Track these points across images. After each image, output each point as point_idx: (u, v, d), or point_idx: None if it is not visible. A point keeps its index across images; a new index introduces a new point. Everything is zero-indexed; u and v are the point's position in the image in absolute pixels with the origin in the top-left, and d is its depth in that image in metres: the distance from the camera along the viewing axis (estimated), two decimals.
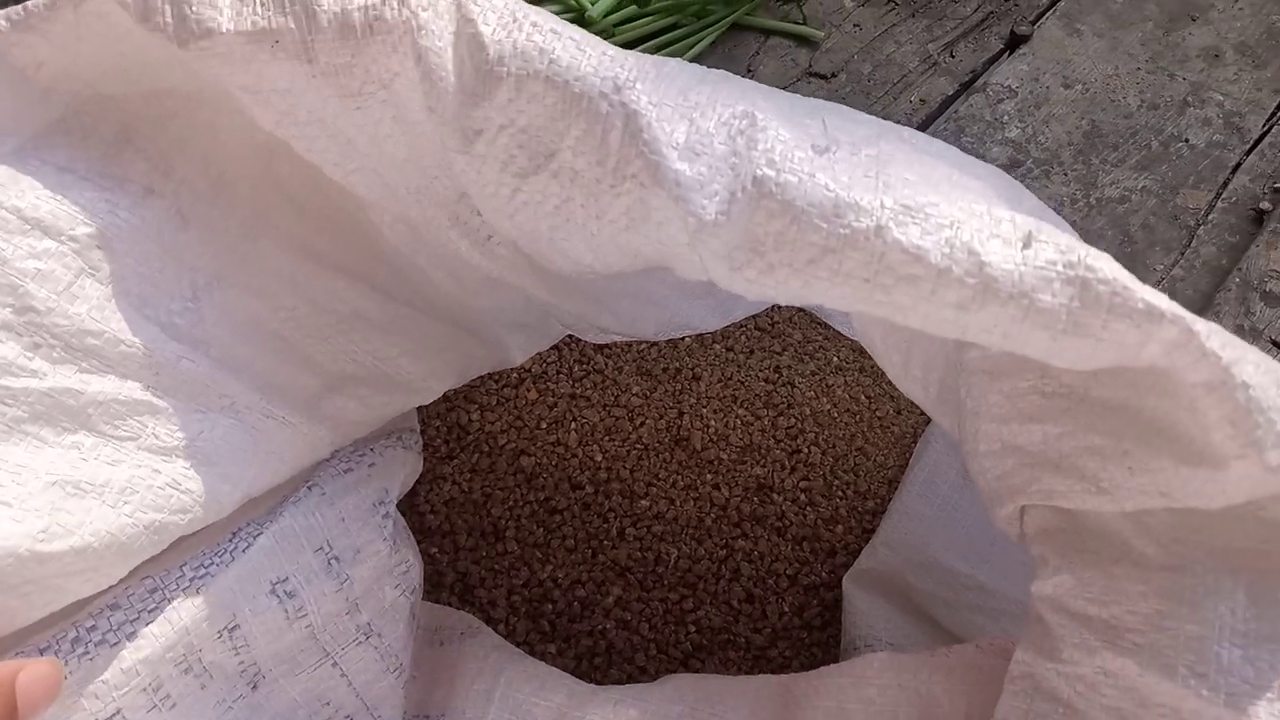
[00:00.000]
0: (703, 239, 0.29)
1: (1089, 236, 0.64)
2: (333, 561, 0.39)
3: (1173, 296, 0.59)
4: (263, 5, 0.29)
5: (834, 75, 0.69)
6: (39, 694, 0.28)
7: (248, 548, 0.37)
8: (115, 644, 0.33)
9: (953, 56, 0.72)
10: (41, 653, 0.31)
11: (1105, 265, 0.27)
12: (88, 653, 0.32)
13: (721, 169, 0.28)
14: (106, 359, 0.31)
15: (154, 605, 0.34)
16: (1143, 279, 0.60)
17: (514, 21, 0.29)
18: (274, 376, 0.37)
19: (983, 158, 0.67)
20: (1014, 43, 0.73)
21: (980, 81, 0.71)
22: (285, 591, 0.38)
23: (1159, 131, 0.69)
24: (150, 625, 0.34)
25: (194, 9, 0.29)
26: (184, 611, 0.35)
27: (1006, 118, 0.69)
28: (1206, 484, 0.29)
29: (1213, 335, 0.27)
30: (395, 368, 0.42)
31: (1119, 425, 0.31)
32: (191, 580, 0.35)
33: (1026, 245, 0.27)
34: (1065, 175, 0.66)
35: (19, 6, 0.30)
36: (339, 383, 0.39)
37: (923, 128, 0.68)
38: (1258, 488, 0.28)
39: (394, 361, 0.41)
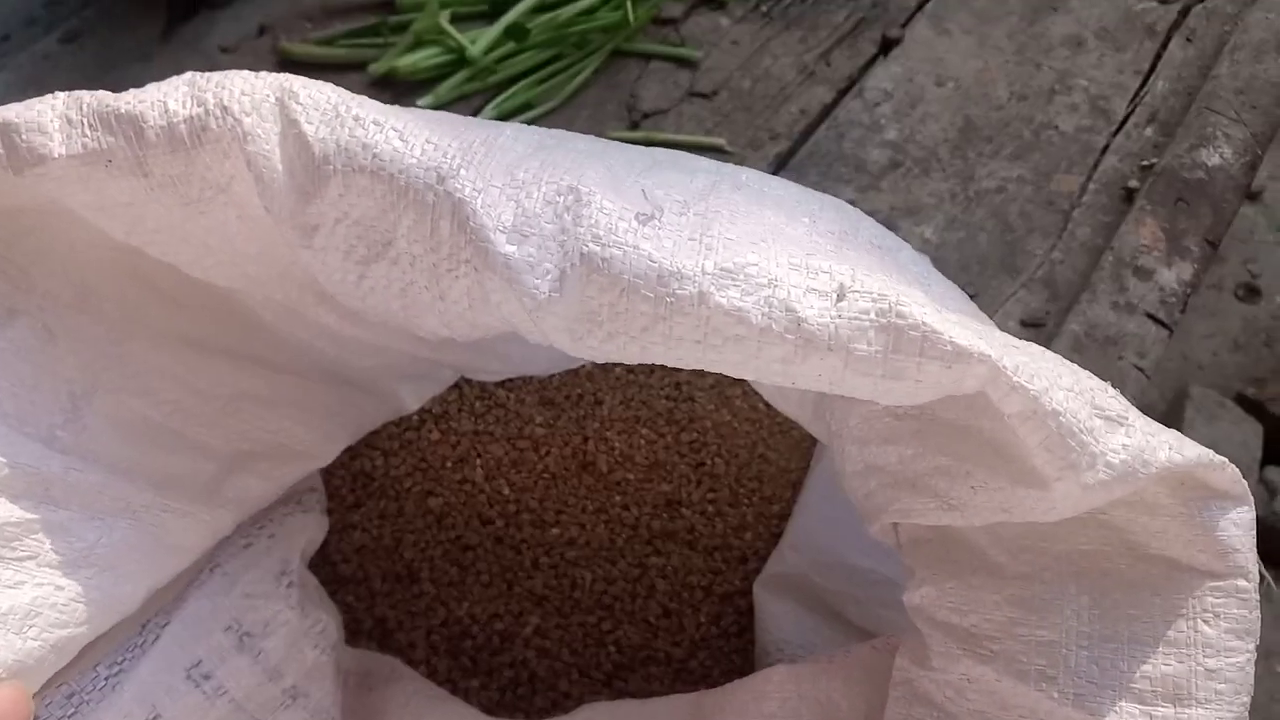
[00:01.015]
0: (540, 315, 0.30)
1: (970, 229, 0.66)
2: (244, 638, 0.40)
3: (1052, 280, 0.62)
4: (91, 127, 0.30)
5: (715, 93, 0.71)
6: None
7: (157, 639, 0.38)
8: None
9: (829, 65, 0.73)
10: None
11: (915, 309, 0.28)
12: None
13: (550, 248, 0.30)
14: None
15: (73, 711, 0.35)
16: (1023, 266, 0.63)
17: (337, 118, 0.30)
18: (167, 470, 0.37)
19: (864, 161, 0.69)
20: (886, 46, 0.74)
21: (857, 87, 0.72)
22: (201, 674, 0.39)
23: (1030, 121, 0.71)
24: None
25: (24, 137, 0.30)
26: (104, 713, 0.36)
27: (884, 120, 0.70)
28: (1038, 502, 0.31)
29: (1020, 367, 0.28)
30: (290, 437, 0.43)
31: (962, 447, 0.33)
32: (107, 679, 0.36)
33: (840, 297, 0.29)
34: (944, 171, 0.68)
35: None
36: (236, 463, 0.40)
37: (805, 136, 0.69)
38: (1080, 504, 0.30)
39: (288, 432, 0.42)
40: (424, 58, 0.67)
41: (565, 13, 0.69)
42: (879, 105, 0.71)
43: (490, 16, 0.70)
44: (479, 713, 0.43)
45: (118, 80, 1.50)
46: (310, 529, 0.44)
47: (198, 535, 0.38)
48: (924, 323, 0.28)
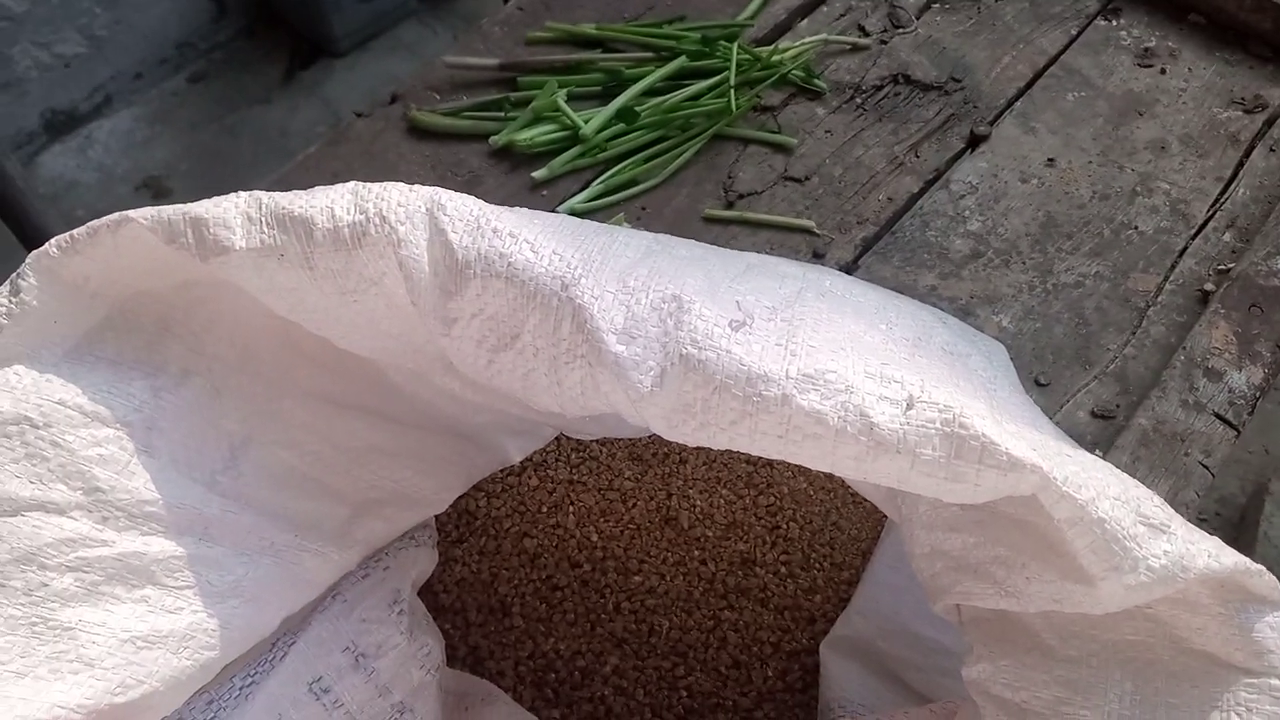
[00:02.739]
0: (642, 406, 0.34)
1: (1046, 320, 0.68)
2: (359, 658, 0.44)
3: (1124, 374, 0.64)
4: (268, 226, 0.35)
5: (808, 178, 0.74)
6: None
7: (284, 656, 0.42)
8: None
9: (917, 157, 0.76)
10: None
11: (976, 421, 0.31)
12: None
13: (654, 348, 0.33)
14: (163, 521, 0.36)
15: (211, 715, 0.40)
16: (1097, 359, 0.64)
17: (478, 229, 0.34)
18: (307, 514, 0.42)
19: (947, 250, 0.71)
20: (974, 142, 0.77)
21: (943, 179, 0.75)
22: (321, 689, 0.43)
23: (1110, 220, 0.73)
24: None
25: (211, 231, 0.35)
26: (238, 718, 0.40)
27: (968, 211, 0.73)
28: (1085, 596, 0.33)
29: (1070, 477, 0.31)
30: (411, 487, 0.47)
31: (1019, 540, 0.35)
32: (241, 690, 0.41)
33: (910, 406, 0.32)
34: (1024, 264, 0.71)
35: (65, 235, 0.36)
36: (364, 508, 0.45)
37: (891, 224, 0.72)
38: (1124, 602, 0.33)
39: (409, 481, 0.47)
40: (541, 133, 0.72)
41: (673, 98, 0.73)
42: (964, 198, 0.74)
43: (604, 98, 0.75)
44: None
45: (240, 119, 1.60)
46: (421, 562, 0.48)
47: (328, 571, 0.43)
48: (983, 434, 0.31)
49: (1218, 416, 0.61)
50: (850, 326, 0.36)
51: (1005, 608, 0.36)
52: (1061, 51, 0.84)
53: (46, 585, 0.33)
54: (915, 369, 0.33)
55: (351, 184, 0.35)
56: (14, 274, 0.35)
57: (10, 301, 0.35)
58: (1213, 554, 0.32)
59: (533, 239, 0.34)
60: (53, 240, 0.35)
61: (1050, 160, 0.77)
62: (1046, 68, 0.83)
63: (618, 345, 0.33)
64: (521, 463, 0.58)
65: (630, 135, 0.72)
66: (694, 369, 0.32)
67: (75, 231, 0.36)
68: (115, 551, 0.35)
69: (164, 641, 0.35)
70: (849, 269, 0.70)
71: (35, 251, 0.35)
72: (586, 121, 0.71)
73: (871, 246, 0.71)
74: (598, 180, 0.72)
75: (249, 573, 0.39)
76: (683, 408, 0.33)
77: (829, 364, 0.32)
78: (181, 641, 0.36)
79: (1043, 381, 0.65)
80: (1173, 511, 0.33)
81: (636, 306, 0.34)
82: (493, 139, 0.73)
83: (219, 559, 0.38)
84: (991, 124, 0.79)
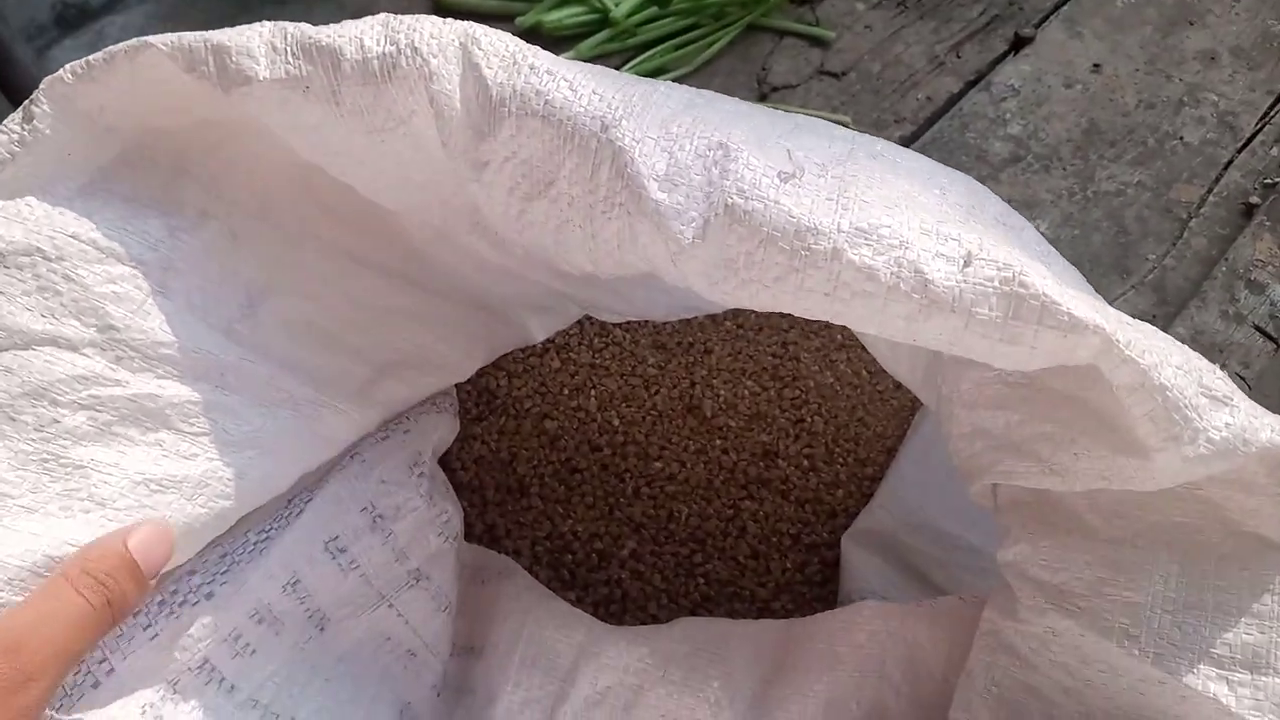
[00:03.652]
0: (682, 260, 0.32)
1: (1085, 228, 0.65)
2: (377, 519, 0.43)
3: (1162, 285, 0.62)
4: (293, 55, 0.33)
5: (844, 74, 0.71)
6: (155, 552, 0.32)
7: (300, 514, 0.41)
8: (196, 604, 0.37)
9: (959, 57, 0.73)
10: (135, 616, 0.35)
11: (1036, 280, 0.29)
12: (174, 613, 0.37)
13: (697, 197, 0.31)
14: (179, 365, 0.35)
15: (225, 569, 0.39)
16: (1135, 269, 0.62)
17: (514, 65, 0.32)
18: (327, 370, 0.40)
19: (986, 153, 0.68)
20: (1018, 44, 0.74)
21: (984, 81, 0.72)
22: (338, 548, 0.42)
23: (1155, 129, 0.70)
24: (225, 585, 0.38)
25: (234, 59, 0.33)
26: (251, 572, 0.39)
27: (1009, 115, 0.70)
28: (1138, 471, 0.31)
29: (1133, 342, 0.29)
30: (433, 352, 0.45)
31: (1068, 414, 0.34)
32: (255, 544, 0.40)
33: (967, 263, 0.30)
34: (1064, 170, 0.68)
35: (81, 61, 0.34)
36: (385, 369, 0.43)
37: (929, 124, 0.70)
38: (1179, 476, 0.31)
39: (431, 347, 0.45)
40: (569, 15, 0.69)
41: None
42: (1005, 100, 0.71)
43: None
44: (582, 613, 0.45)
45: (251, 19, 1.55)
46: (442, 428, 0.47)
47: (347, 430, 0.41)
48: (1044, 293, 0.29)
49: (1257, 329, 0.59)
50: (904, 186, 0.34)
51: (1048, 486, 0.35)
52: None
53: (58, 422, 0.32)
54: (971, 230, 0.31)
55: (382, 15, 0.33)
56: (28, 100, 0.33)
57: (24, 129, 0.33)
58: (1276, 429, 0.30)
59: (571, 78, 0.32)
60: (68, 65, 0.33)
61: (1096, 66, 0.74)
62: None
63: (659, 193, 0.31)
64: (544, 344, 0.57)
65: (662, 21, 0.69)
66: (739, 220, 0.30)
67: (92, 57, 0.33)
68: (129, 392, 0.33)
69: (178, 486, 0.34)
70: None
71: (50, 77, 0.33)
72: (617, 4, 0.68)
73: (908, 146, 0.69)
74: (626, 66, 0.69)
75: (266, 424, 0.37)
76: (725, 262, 0.31)
77: (883, 219, 0.30)
78: (196, 488, 0.35)
79: None
80: (1234, 386, 0.31)
81: (680, 153, 0.32)
82: (519, 20, 0.70)
83: (236, 408, 0.36)
84: (1037, 27, 0.75)
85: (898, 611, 0.41)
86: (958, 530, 0.51)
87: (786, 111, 0.67)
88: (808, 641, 0.41)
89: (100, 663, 0.34)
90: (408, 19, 0.33)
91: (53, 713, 0.32)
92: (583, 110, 0.31)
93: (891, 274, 0.30)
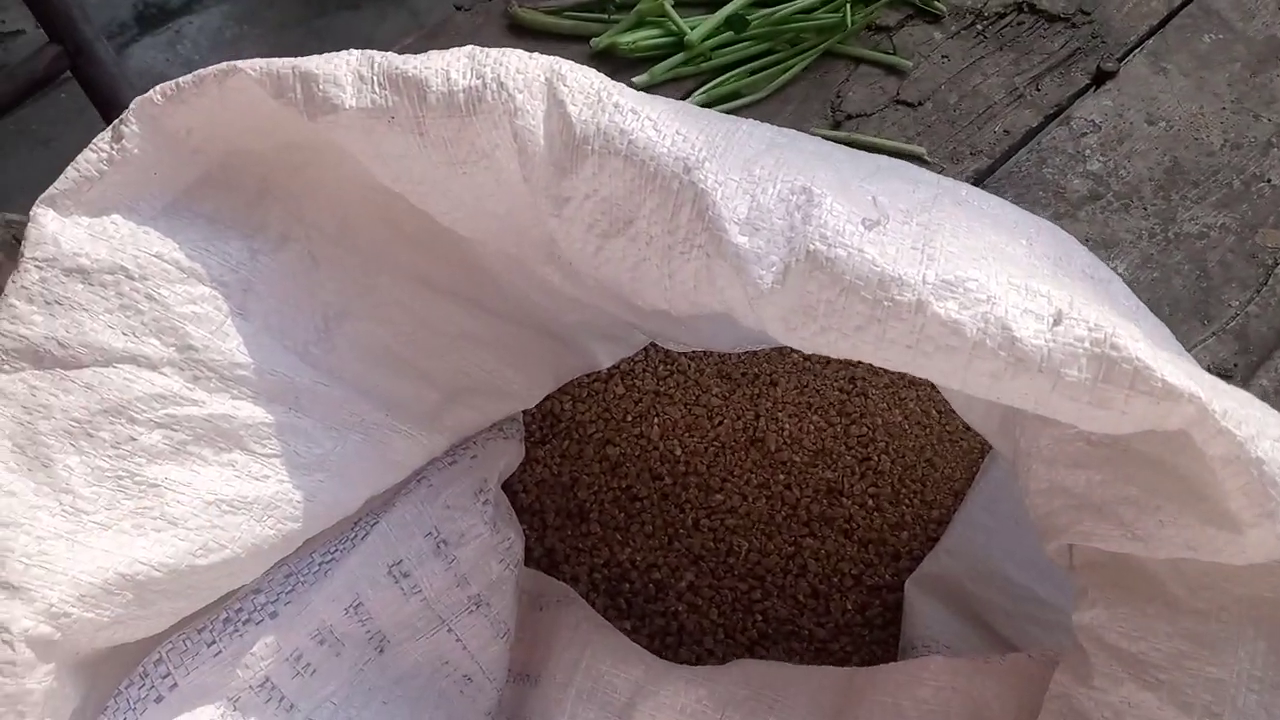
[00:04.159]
0: (760, 304, 0.31)
1: (1165, 270, 0.63)
2: (440, 545, 0.43)
3: (1245, 332, 0.60)
4: (380, 86, 0.33)
5: (920, 104, 0.70)
6: None
7: (366, 536, 0.41)
8: (260, 622, 0.37)
9: (1038, 90, 0.71)
10: (199, 632, 0.36)
11: (1129, 343, 0.28)
12: (238, 630, 0.37)
13: (778, 242, 0.31)
14: (254, 387, 0.35)
15: (290, 588, 0.39)
16: (1216, 315, 0.60)
17: (599, 102, 0.32)
18: (398, 395, 0.40)
19: (1064, 189, 0.67)
20: (1100, 79, 0.72)
21: (1064, 115, 0.70)
22: (401, 572, 0.42)
23: (1241, 170, 0.68)
24: (288, 605, 0.38)
25: (321, 88, 0.33)
26: (315, 593, 0.39)
27: (1089, 151, 0.68)
28: (1228, 544, 0.30)
29: (1229, 411, 0.28)
30: (501, 378, 0.45)
31: (1154, 479, 0.32)
32: (320, 566, 0.40)
33: (1057, 322, 0.29)
34: (1145, 210, 0.66)
35: (170, 83, 0.34)
36: (455, 395, 0.43)
37: (1005, 158, 0.68)
38: (1273, 552, 0.29)
39: (501, 373, 0.45)
40: (644, 37, 0.69)
41: (784, 9, 0.69)
42: (1085, 136, 0.69)
43: (712, 5, 0.71)
44: (641, 649, 0.45)
45: (326, 24, 1.58)
46: (508, 454, 0.46)
47: (416, 454, 0.41)
48: (1137, 357, 0.28)
49: None
50: (990, 237, 0.33)
51: (1130, 551, 0.34)
52: None
53: (134, 439, 0.32)
54: (1061, 285, 0.30)
55: (469, 47, 0.33)
56: (118, 119, 0.34)
57: (112, 148, 0.34)
58: None
59: (655, 118, 0.32)
60: (158, 87, 0.34)
61: (1181, 103, 0.71)
62: (1183, 6, 0.77)
63: (740, 236, 0.31)
64: (609, 370, 0.56)
65: (737, 45, 0.69)
66: (821, 267, 0.30)
67: (181, 79, 0.34)
68: (205, 412, 0.34)
69: (249, 508, 0.34)
70: None
71: (140, 98, 0.34)
72: (693, 28, 0.68)
73: (984, 179, 0.67)
74: (700, 90, 0.68)
75: (337, 447, 0.37)
76: (804, 309, 0.31)
77: (970, 272, 0.30)
78: (266, 509, 0.35)
79: None
80: None
81: (762, 196, 0.31)
82: (594, 41, 0.70)
83: (308, 430, 0.37)
84: (1120, 61, 0.73)
85: (965, 668, 0.40)
86: (1026, 581, 0.50)
87: (861, 139, 0.66)
88: (871, 692, 0.40)
89: (164, 677, 0.35)
90: (494, 52, 0.32)
91: None
92: (666, 151, 0.31)
93: (978, 330, 0.29)
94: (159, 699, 0.34)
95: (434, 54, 0.33)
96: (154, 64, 1.57)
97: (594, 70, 0.32)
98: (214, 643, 0.36)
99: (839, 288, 0.30)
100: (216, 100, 0.34)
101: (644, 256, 0.33)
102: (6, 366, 0.31)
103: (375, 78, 0.33)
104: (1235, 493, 0.28)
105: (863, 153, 0.38)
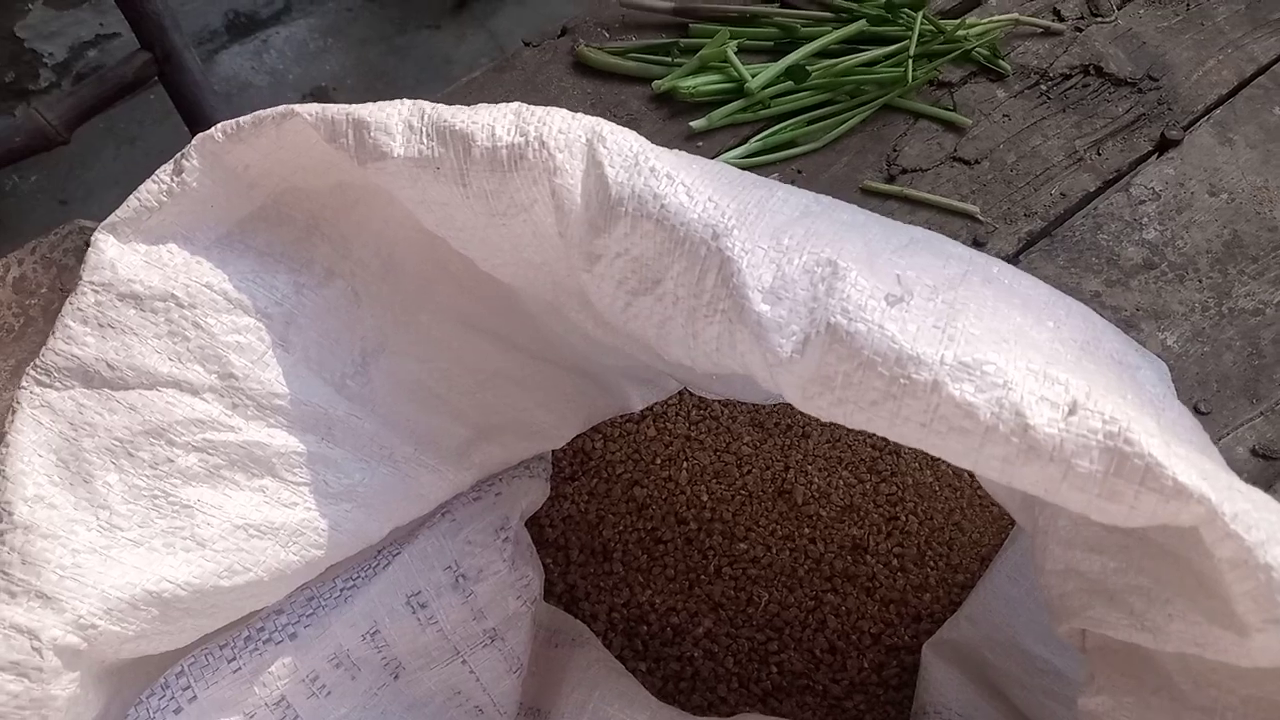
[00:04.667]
0: (779, 372, 0.32)
1: (1216, 345, 0.62)
2: (459, 579, 0.44)
3: None
4: (428, 137, 0.34)
5: (977, 162, 0.70)
6: None
7: (387, 565, 0.42)
8: (279, 643, 0.39)
9: (1099, 154, 0.71)
10: (221, 649, 0.37)
11: (1143, 438, 0.28)
12: (257, 649, 0.38)
13: (800, 312, 0.31)
14: (290, 416, 0.37)
15: (311, 612, 0.40)
16: (1266, 394, 0.59)
17: (635, 166, 0.33)
18: (429, 430, 0.42)
19: (1117, 257, 0.66)
20: (1163, 146, 0.71)
21: (1124, 181, 0.69)
22: (418, 603, 0.43)
23: None
24: (308, 628, 0.40)
25: (371, 135, 0.34)
26: (334, 618, 0.40)
27: (1146, 219, 0.68)
28: (1233, 646, 0.30)
29: (1240, 515, 0.28)
30: (532, 417, 0.46)
31: (1166, 572, 0.32)
32: (342, 592, 0.41)
33: (1072, 411, 0.29)
34: (1200, 282, 0.65)
35: (232, 122, 0.36)
36: (485, 432, 0.44)
37: (1060, 221, 0.68)
38: (1278, 659, 0.29)
39: (531, 412, 0.46)
40: (705, 82, 0.70)
41: (846, 62, 0.70)
42: (1144, 204, 0.68)
43: (774, 54, 0.72)
44: (650, 695, 0.45)
45: (408, 41, 1.63)
46: (533, 493, 0.47)
47: (441, 489, 0.42)
48: (1150, 453, 0.28)
49: None
50: (1016, 319, 0.33)
51: (1139, 642, 0.33)
52: (1274, 61, 0.77)
53: (172, 461, 0.34)
54: (1082, 373, 0.30)
55: (516, 104, 0.34)
56: (179, 154, 0.36)
57: (173, 180, 0.36)
58: None
59: (689, 183, 0.33)
60: (219, 125, 0.36)
61: (1245, 175, 0.70)
62: (1255, 77, 0.76)
63: (762, 304, 0.31)
64: (641, 412, 0.57)
65: (797, 95, 0.70)
66: (840, 340, 0.30)
67: (241, 119, 0.36)
68: (240, 439, 0.35)
69: (275, 533, 0.36)
70: (1010, 262, 0.66)
71: (201, 134, 0.36)
72: (754, 75, 0.69)
73: (1036, 242, 0.67)
74: (756, 137, 0.69)
75: (365, 479, 0.39)
76: (822, 379, 0.31)
77: (989, 355, 0.30)
78: (292, 536, 0.36)
79: (1203, 410, 0.60)
80: None
81: (788, 266, 0.32)
82: (656, 83, 0.71)
83: (338, 461, 0.38)
84: (1185, 129, 0.73)
85: None
86: (1045, 653, 0.49)
87: (914, 194, 0.66)
88: None
89: (184, 689, 0.36)
90: (539, 111, 0.34)
91: None
92: (696, 217, 0.32)
93: (992, 414, 0.29)
94: (178, 710, 0.36)
95: (482, 108, 0.34)
96: (240, 71, 1.63)
97: (633, 134, 0.33)
98: (234, 659, 0.37)
99: (857, 362, 0.30)
100: (274, 140, 0.36)
101: (670, 315, 0.34)
102: (58, 384, 0.33)
103: (424, 129, 0.34)
104: (1242, 597, 0.28)
105: (897, 224, 0.38)
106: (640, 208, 0.32)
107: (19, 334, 0.64)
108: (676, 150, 0.35)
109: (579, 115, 0.33)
